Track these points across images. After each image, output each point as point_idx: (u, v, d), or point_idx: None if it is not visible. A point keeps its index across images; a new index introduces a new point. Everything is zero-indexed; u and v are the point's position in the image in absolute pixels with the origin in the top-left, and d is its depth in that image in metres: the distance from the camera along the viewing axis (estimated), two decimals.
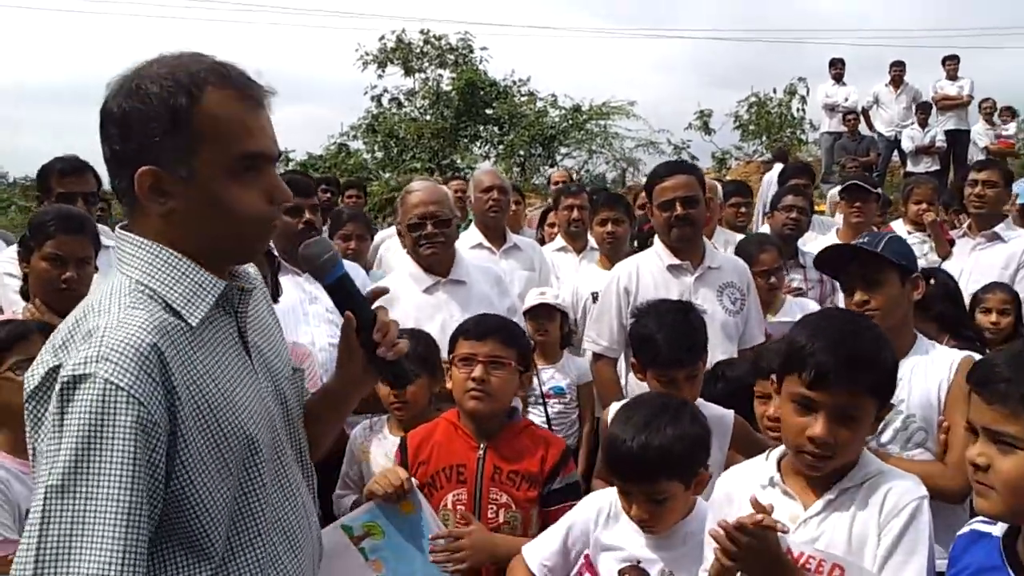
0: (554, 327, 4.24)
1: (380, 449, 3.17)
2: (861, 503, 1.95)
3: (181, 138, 1.46)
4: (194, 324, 1.49)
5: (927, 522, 1.90)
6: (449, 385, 2.80)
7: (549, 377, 4.41)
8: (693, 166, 4.10)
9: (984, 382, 1.57)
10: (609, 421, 2.35)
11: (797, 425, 1.93)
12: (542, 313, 4.42)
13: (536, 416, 4.21)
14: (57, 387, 1.35)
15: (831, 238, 5.43)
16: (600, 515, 2.37)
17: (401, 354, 1.77)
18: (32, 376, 1.44)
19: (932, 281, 3.70)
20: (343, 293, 1.76)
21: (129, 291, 1.48)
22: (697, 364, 2.91)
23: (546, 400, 4.35)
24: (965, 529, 1.82)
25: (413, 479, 2.63)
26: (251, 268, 1.77)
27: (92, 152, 4.17)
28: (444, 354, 2.98)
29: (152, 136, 1.46)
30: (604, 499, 2.40)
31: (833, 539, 1.95)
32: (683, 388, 2.84)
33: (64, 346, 1.43)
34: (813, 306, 4.45)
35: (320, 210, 4.02)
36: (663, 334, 2.89)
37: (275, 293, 3.51)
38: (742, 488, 2.17)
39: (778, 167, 11.09)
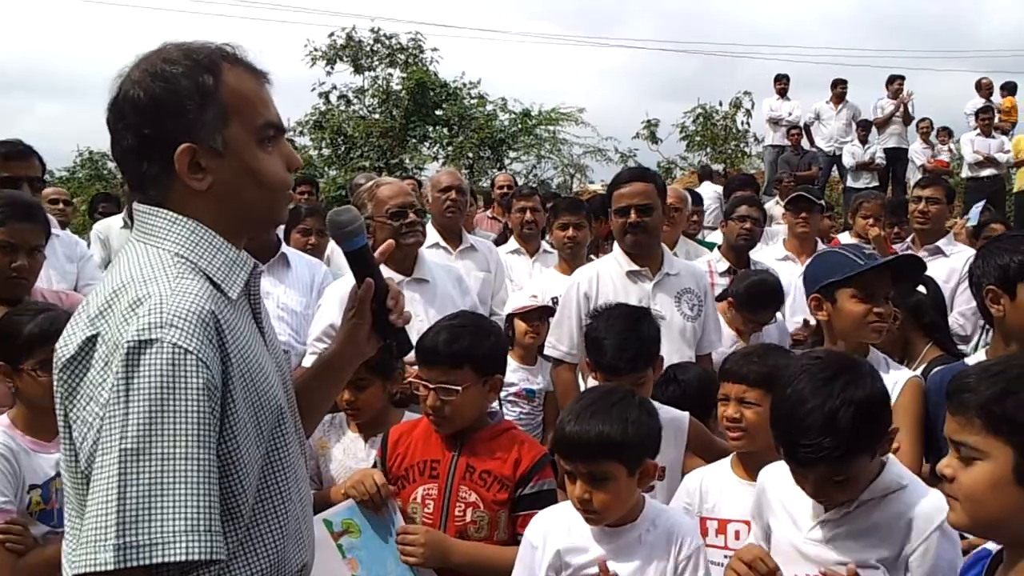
0: (545, 329, 4.24)
1: (340, 445, 3.16)
2: (882, 514, 2.07)
3: (212, 113, 1.53)
4: (233, 298, 1.55)
5: (956, 539, 2.02)
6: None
7: (522, 379, 4.43)
8: (654, 174, 4.14)
9: (951, 393, 1.59)
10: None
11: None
12: (535, 315, 4.43)
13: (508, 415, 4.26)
14: (120, 352, 1.37)
15: (776, 249, 5.57)
16: (547, 537, 2.32)
17: (407, 323, 1.89)
18: (66, 346, 1.45)
19: (924, 289, 3.75)
20: (363, 261, 1.86)
21: (172, 263, 1.50)
22: (642, 372, 2.95)
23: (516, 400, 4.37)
24: (979, 547, 1.81)
25: (389, 487, 2.64)
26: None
27: (29, 136, 4.12)
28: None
29: (187, 114, 1.51)
30: (547, 522, 2.36)
31: (847, 544, 2.05)
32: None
33: (101, 315, 1.44)
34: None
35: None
36: (610, 340, 2.96)
37: None
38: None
39: (705, 186, 11.42)
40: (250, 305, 1.67)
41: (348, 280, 3.65)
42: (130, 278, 1.48)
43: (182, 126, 1.51)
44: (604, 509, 2.18)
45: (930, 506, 2.03)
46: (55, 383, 1.47)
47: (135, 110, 1.52)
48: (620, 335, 2.96)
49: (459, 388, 2.58)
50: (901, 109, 13.48)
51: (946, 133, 14.30)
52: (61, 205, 6.63)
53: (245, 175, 1.57)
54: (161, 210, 1.56)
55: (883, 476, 2.11)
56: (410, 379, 2.94)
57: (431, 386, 2.60)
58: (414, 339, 2.83)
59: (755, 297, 4.41)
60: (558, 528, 2.29)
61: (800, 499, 2.16)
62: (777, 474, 2.26)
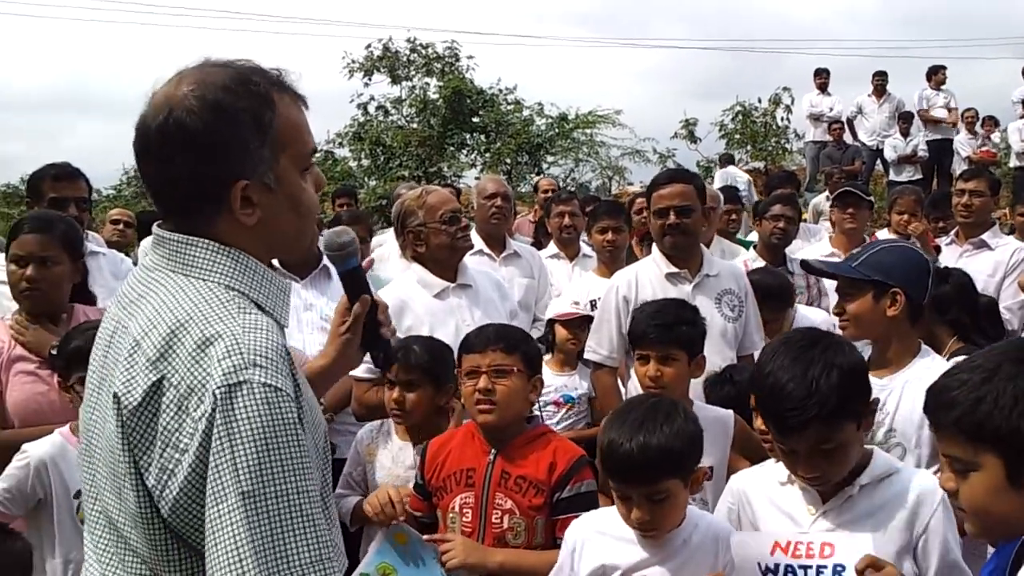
0: (586, 336, 4.24)
1: (387, 452, 3.19)
2: (882, 496, 2.08)
3: (268, 148, 1.51)
4: (286, 326, 1.56)
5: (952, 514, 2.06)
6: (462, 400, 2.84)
7: (562, 384, 4.45)
8: (693, 175, 4.13)
9: (929, 408, 1.57)
10: (601, 429, 2.32)
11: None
12: (576, 322, 4.45)
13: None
14: (206, 399, 1.36)
15: (823, 246, 5.53)
16: (586, 544, 2.30)
17: (394, 334, 2.01)
18: (131, 394, 1.42)
19: (947, 283, 3.69)
20: (356, 280, 1.96)
21: (228, 298, 1.47)
22: (673, 349, 2.96)
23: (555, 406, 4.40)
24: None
25: (405, 501, 2.72)
26: None
27: (75, 158, 4.23)
28: None
29: (248, 152, 1.49)
30: (579, 535, 2.35)
31: (855, 529, 2.05)
32: (661, 371, 2.93)
33: (164, 358, 1.41)
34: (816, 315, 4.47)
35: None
36: (644, 313, 3.08)
37: None
38: (758, 488, 2.24)
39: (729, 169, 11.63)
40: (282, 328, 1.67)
41: (391, 290, 3.76)
42: (188, 317, 1.44)
43: (241, 163, 1.49)
44: (664, 526, 2.19)
45: (929, 482, 2.10)
46: (120, 430, 1.43)
47: (191, 140, 1.47)
48: (656, 307, 3.10)
49: (514, 369, 2.67)
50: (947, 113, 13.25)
51: (992, 122, 14.03)
52: (122, 226, 6.68)
53: (288, 206, 1.56)
54: (203, 240, 1.51)
55: (876, 461, 2.15)
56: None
57: (484, 369, 2.67)
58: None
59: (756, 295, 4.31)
60: (599, 534, 2.29)
61: (792, 496, 2.17)
62: (756, 479, 2.26)
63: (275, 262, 3.78)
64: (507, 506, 2.62)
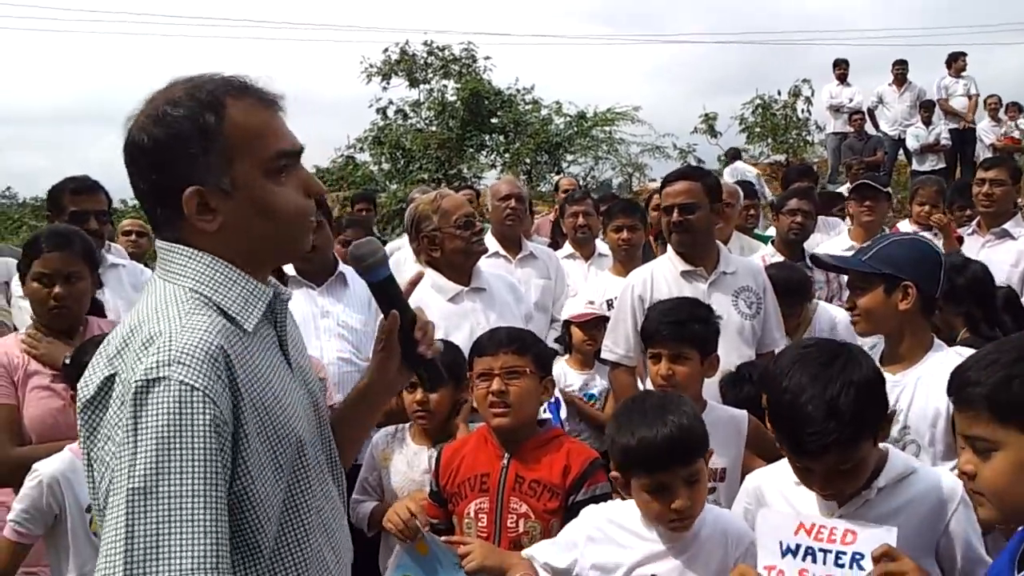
0: (602, 336, 4.24)
1: (402, 457, 3.20)
2: (901, 498, 2.07)
3: (216, 153, 1.52)
4: (249, 330, 1.55)
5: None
6: (475, 404, 2.84)
7: (583, 383, 4.47)
8: (700, 172, 4.10)
9: (954, 388, 1.55)
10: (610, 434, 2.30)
11: None
12: (591, 323, 4.45)
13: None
14: (130, 392, 1.38)
15: (842, 240, 5.47)
16: (594, 538, 2.30)
17: (438, 353, 1.84)
18: (87, 386, 1.48)
19: (962, 274, 3.65)
20: (387, 293, 1.82)
21: (186, 299, 1.51)
22: (686, 348, 2.95)
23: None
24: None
25: (423, 510, 2.73)
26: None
27: (98, 170, 4.27)
28: None
29: (189, 158, 1.51)
30: (592, 522, 2.34)
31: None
32: (673, 370, 2.93)
33: (119, 355, 1.46)
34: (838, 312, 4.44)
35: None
36: (657, 311, 3.07)
37: None
38: (773, 487, 2.22)
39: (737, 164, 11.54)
40: (277, 334, 1.66)
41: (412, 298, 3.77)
42: (146, 316, 1.50)
43: (187, 170, 1.51)
44: (697, 512, 2.18)
45: (949, 481, 2.07)
46: (78, 423, 1.48)
47: (142, 155, 1.53)
48: (669, 306, 3.09)
49: (526, 370, 2.69)
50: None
51: (1016, 108, 13.80)
52: (134, 236, 6.74)
53: (255, 211, 1.56)
54: (179, 246, 1.57)
55: (893, 462, 2.11)
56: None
57: (497, 371, 2.69)
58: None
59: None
60: (613, 524, 2.29)
61: (808, 496, 2.14)
62: (772, 477, 2.24)
63: (291, 270, 3.90)
64: (522, 510, 2.62)
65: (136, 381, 1.38)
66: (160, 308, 1.50)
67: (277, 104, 1.62)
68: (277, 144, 1.58)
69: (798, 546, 2.00)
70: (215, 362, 1.42)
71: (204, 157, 1.52)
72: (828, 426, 1.93)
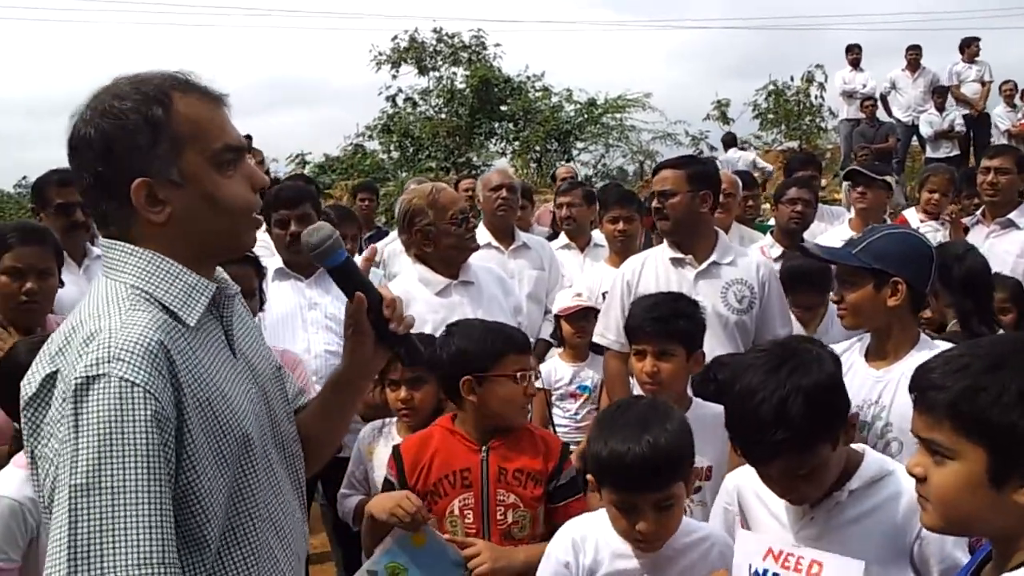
0: (592, 328, 4.20)
1: (387, 451, 3.15)
2: (873, 501, 2.01)
3: (164, 145, 1.53)
4: (191, 324, 1.55)
5: None
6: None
7: (574, 375, 4.43)
8: (687, 161, 4.00)
9: (916, 387, 1.47)
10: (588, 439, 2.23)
11: None
12: (580, 315, 4.41)
13: (561, 414, 4.37)
14: (70, 389, 1.39)
15: (843, 229, 5.38)
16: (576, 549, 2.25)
17: (410, 328, 1.82)
18: (29, 384, 1.48)
19: (959, 264, 3.57)
20: (348, 276, 1.79)
21: (126, 295, 1.52)
22: (669, 341, 2.90)
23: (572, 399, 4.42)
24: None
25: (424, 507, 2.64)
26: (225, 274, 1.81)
27: None
28: None
29: (137, 150, 1.52)
30: (576, 531, 2.29)
31: (847, 534, 1.99)
32: (658, 366, 2.88)
33: (61, 352, 1.47)
34: None
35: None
36: (641, 307, 3.02)
37: (262, 301, 3.54)
38: (749, 487, 2.19)
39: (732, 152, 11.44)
40: (223, 328, 1.67)
41: (398, 283, 3.72)
42: (88, 314, 1.50)
43: (135, 162, 1.52)
44: (667, 536, 2.12)
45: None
46: (22, 422, 1.48)
47: (88, 149, 1.54)
48: (653, 301, 3.03)
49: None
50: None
51: None
52: None
53: (203, 202, 1.57)
54: (119, 243, 1.58)
55: (868, 463, 2.05)
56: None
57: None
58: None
59: (789, 281, 4.09)
60: (588, 541, 2.24)
61: (779, 498, 2.09)
62: (750, 478, 2.17)
63: (278, 262, 3.87)
64: (510, 501, 2.60)
65: (76, 378, 1.39)
66: (101, 305, 1.51)
67: (222, 100, 1.64)
68: (224, 137, 1.60)
69: (765, 571, 1.98)
70: (155, 358, 1.43)
71: (152, 148, 1.53)
72: (776, 431, 1.87)
